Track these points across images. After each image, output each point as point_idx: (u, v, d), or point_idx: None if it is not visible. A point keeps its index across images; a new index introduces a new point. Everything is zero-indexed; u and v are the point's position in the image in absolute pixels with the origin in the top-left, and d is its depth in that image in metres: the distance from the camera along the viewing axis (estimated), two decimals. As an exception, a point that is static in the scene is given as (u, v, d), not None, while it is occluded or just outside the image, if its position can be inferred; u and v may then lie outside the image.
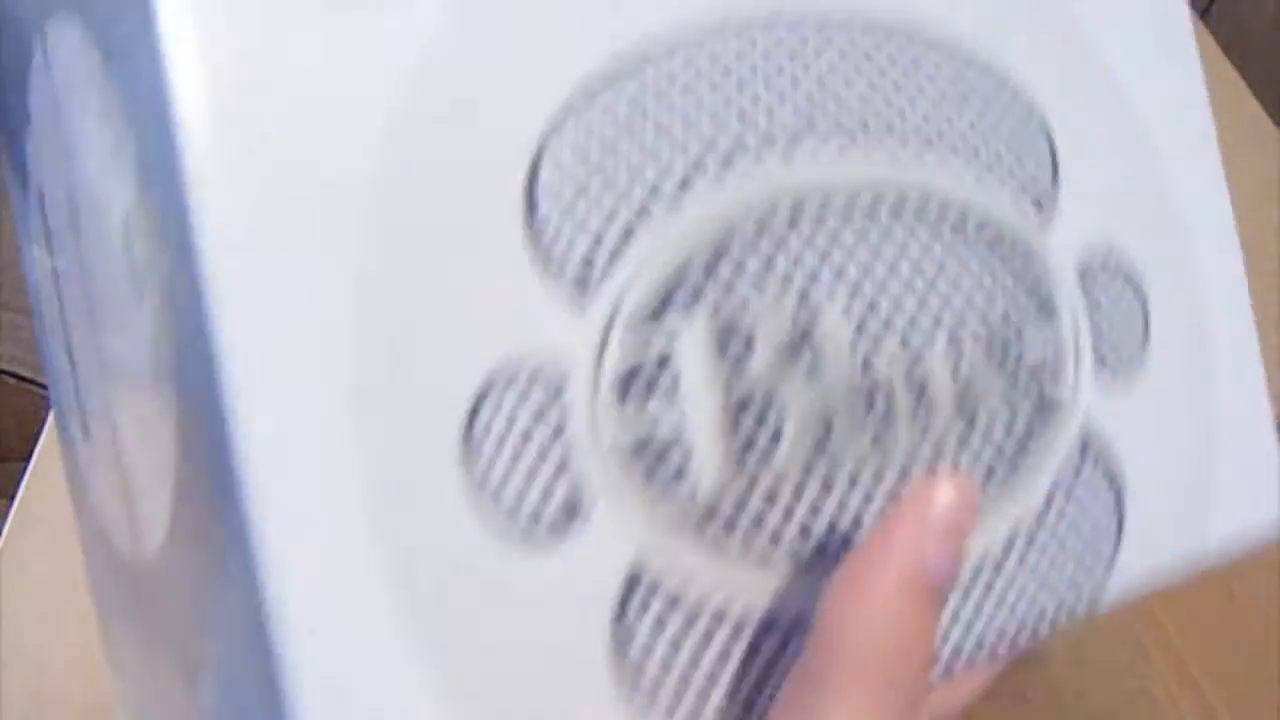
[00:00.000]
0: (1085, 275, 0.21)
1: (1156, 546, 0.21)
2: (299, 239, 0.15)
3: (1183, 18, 0.22)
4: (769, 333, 0.18)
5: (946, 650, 0.19)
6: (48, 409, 0.43)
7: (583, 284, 0.16)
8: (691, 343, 0.17)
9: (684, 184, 0.17)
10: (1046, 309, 0.20)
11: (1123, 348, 0.21)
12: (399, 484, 0.15)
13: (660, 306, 0.17)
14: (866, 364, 0.18)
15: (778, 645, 0.18)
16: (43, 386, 0.31)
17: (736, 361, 0.17)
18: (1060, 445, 0.20)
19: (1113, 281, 0.21)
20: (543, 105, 0.16)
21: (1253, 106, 0.36)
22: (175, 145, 0.14)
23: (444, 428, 0.15)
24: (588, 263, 0.16)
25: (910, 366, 0.19)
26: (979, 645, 0.19)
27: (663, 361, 0.17)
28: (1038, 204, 0.20)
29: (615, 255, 0.17)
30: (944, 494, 0.17)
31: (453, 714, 0.15)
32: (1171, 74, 0.22)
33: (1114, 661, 0.38)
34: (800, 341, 0.18)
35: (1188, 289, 0.22)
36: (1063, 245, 0.21)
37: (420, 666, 0.15)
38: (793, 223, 0.18)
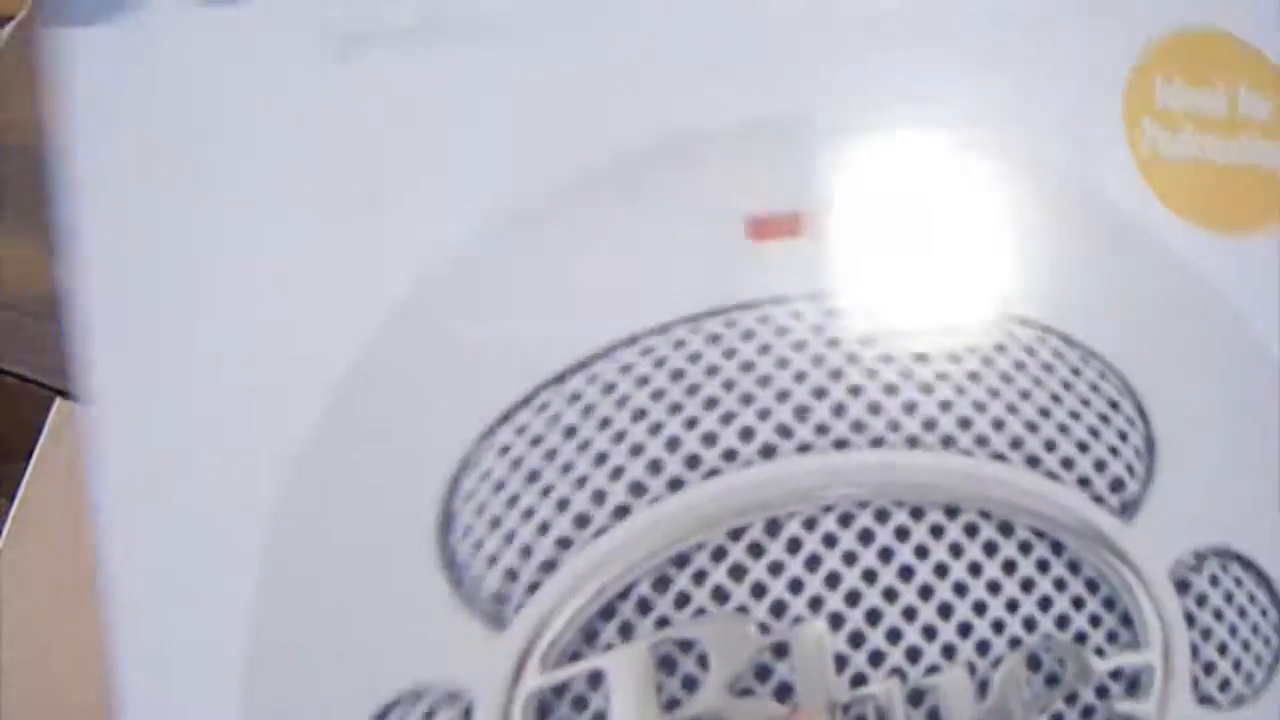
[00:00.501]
0: (1190, 577, 0.17)
1: None
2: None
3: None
4: (728, 657, 0.14)
5: None
6: (48, 409, 0.43)
7: (499, 610, 0.14)
8: (628, 661, 0.14)
9: (620, 512, 0.14)
10: (1121, 617, 0.16)
11: (1242, 659, 0.17)
12: None
13: (595, 625, 0.14)
14: (857, 681, 0.15)
15: None
16: (43, 386, 0.30)
17: (685, 682, 0.14)
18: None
19: (1230, 583, 0.17)
20: (463, 423, 0.15)
21: None
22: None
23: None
24: (501, 597, 0.13)
25: (918, 684, 0.15)
26: None
27: (593, 682, 0.14)
28: (1121, 505, 0.16)
29: (535, 585, 0.14)
30: None
31: None
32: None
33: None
34: (769, 662, 0.14)
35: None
36: (1156, 543, 0.16)
37: None
38: (771, 530, 0.15)
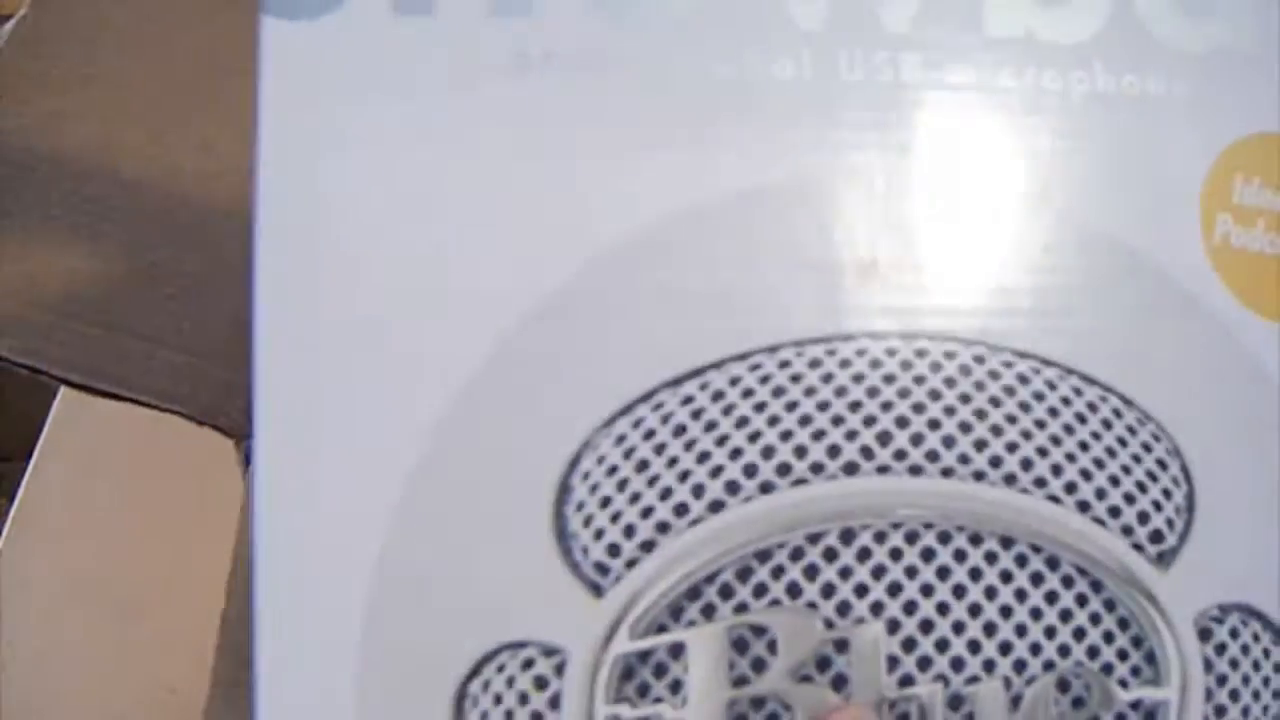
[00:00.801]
0: (1212, 627, 0.18)
1: None
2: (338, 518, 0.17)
3: None
4: (795, 645, 0.17)
5: None
6: (48, 409, 0.43)
7: (600, 580, 0.16)
8: (708, 639, 0.16)
9: (715, 507, 0.16)
10: (1147, 655, 0.18)
11: (1250, 707, 0.19)
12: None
13: (682, 603, 0.17)
14: (905, 683, 0.17)
15: None
16: (53, 378, 0.31)
17: (755, 663, 0.16)
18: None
19: (1248, 638, 0.19)
20: (589, 410, 0.17)
21: None
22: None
23: (437, 696, 0.16)
24: (603, 568, 0.16)
25: (958, 691, 0.17)
26: None
27: (675, 652, 0.16)
28: (1159, 556, 0.18)
29: (633, 562, 0.16)
30: None
31: None
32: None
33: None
34: (830, 654, 0.16)
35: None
36: (1185, 593, 0.18)
37: None
38: (845, 539, 0.17)
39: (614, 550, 0.17)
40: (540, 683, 0.17)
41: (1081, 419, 0.19)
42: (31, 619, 0.38)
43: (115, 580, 0.39)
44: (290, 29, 0.18)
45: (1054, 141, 0.19)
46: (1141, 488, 0.19)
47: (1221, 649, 0.19)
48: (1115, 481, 0.19)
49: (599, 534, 0.17)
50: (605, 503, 0.17)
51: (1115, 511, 0.19)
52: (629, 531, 0.17)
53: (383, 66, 0.18)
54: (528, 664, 0.17)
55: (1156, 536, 0.19)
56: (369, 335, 0.17)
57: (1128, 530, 0.19)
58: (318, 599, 0.17)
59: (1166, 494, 0.19)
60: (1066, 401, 0.19)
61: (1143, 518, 0.19)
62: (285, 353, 0.17)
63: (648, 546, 0.17)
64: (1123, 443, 0.19)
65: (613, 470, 0.17)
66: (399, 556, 0.17)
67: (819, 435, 0.18)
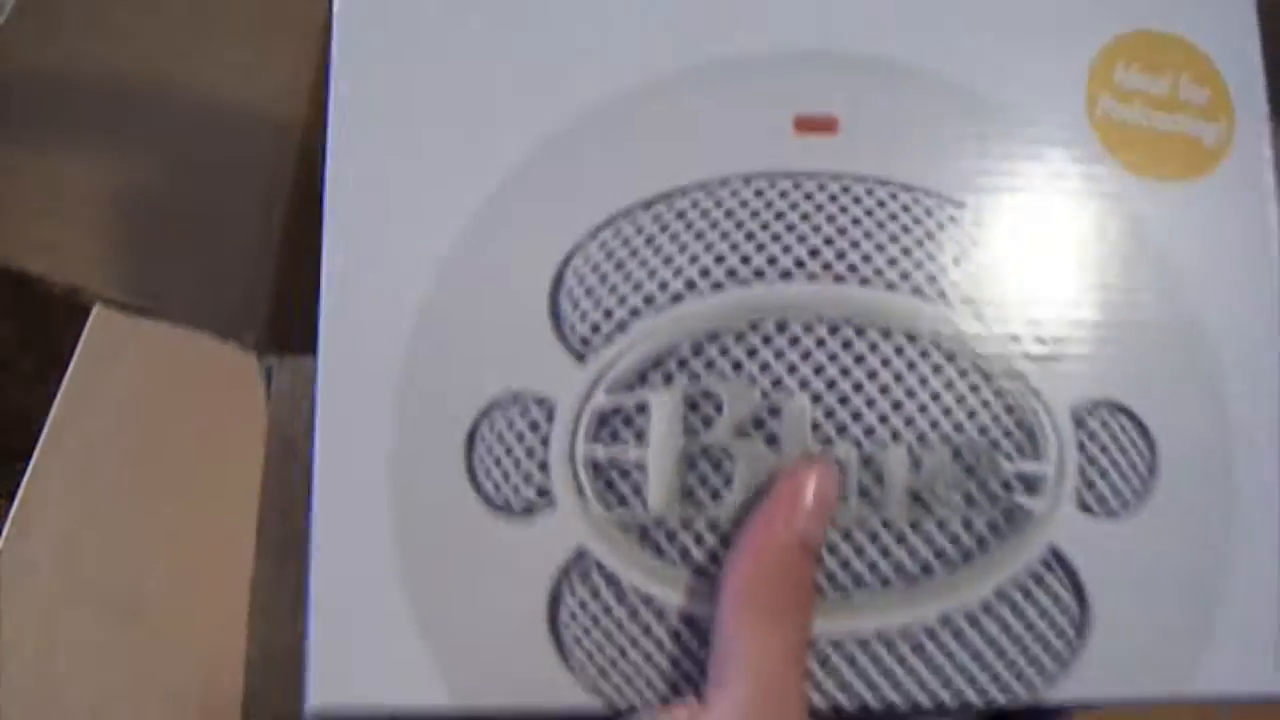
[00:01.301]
0: (1085, 417, 0.23)
1: (1124, 671, 0.23)
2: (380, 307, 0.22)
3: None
4: (737, 406, 0.21)
5: (868, 695, 0.21)
6: (48, 409, 0.44)
7: (583, 350, 0.22)
8: (667, 398, 0.21)
9: (675, 298, 0.22)
10: (1029, 435, 0.22)
11: (1117, 485, 0.23)
12: (416, 458, 0.20)
13: (647, 369, 0.22)
14: (826, 443, 0.21)
15: (695, 638, 0.21)
16: (79, 290, 0.32)
17: (705, 420, 0.21)
18: (1023, 553, 0.22)
19: (1117, 429, 0.23)
20: (582, 221, 0.22)
21: None
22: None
23: (455, 427, 0.22)
24: (586, 341, 0.21)
25: (869, 453, 0.21)
26: (904, 696, 0.22)
27: (640, 407, 0.21)
28: (1040, 358, 0.22)
29: (610, 337, 0.22)
30: (811, 483, 0.21)
31: (431, 645, 0.20)
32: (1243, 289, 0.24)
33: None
34: (765, 416, 0.21)
35: (1215, 458, 0.23)
36: (1063, 388, 0.22)
37: (412, 605, 0.21)
38: (780, 328, 0.21)
39: (595, 328, 0.22)
40: (534, 425, 0.22)
41: (975, 245, 0.23)
42: (31, 619, 0.38)
43: (115, 580, 0.39)
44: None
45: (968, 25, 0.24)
46: (1026, 302, 0.23)
47: (1093, 435, 0.23)
48: (1009, 295, 0.23)
49: (584, 315, 0.22)
50: (589, 292, 0.22)
51: (1004, 319, 0.23)
52: (607, 314, 0.22)
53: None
54: (524, 411, 0.22)
55: (1039, 341, 0.23)
56: (427, 136, 0.22)
57: (1015, 338, 0.23)
58: (372, 335, 0.22)
59: (1047, 308, 0.23)
60: (967, 233, 0.23)
61: (1027, 325, 0.23)
62: (355, 136, 0.22)
63: (622, 326, 0.22)
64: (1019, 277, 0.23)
65: (596, 267, 0.22)
66: (435, 313, 0.22)
67: (760, 248, 0.22)
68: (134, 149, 0.33)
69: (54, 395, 0.45)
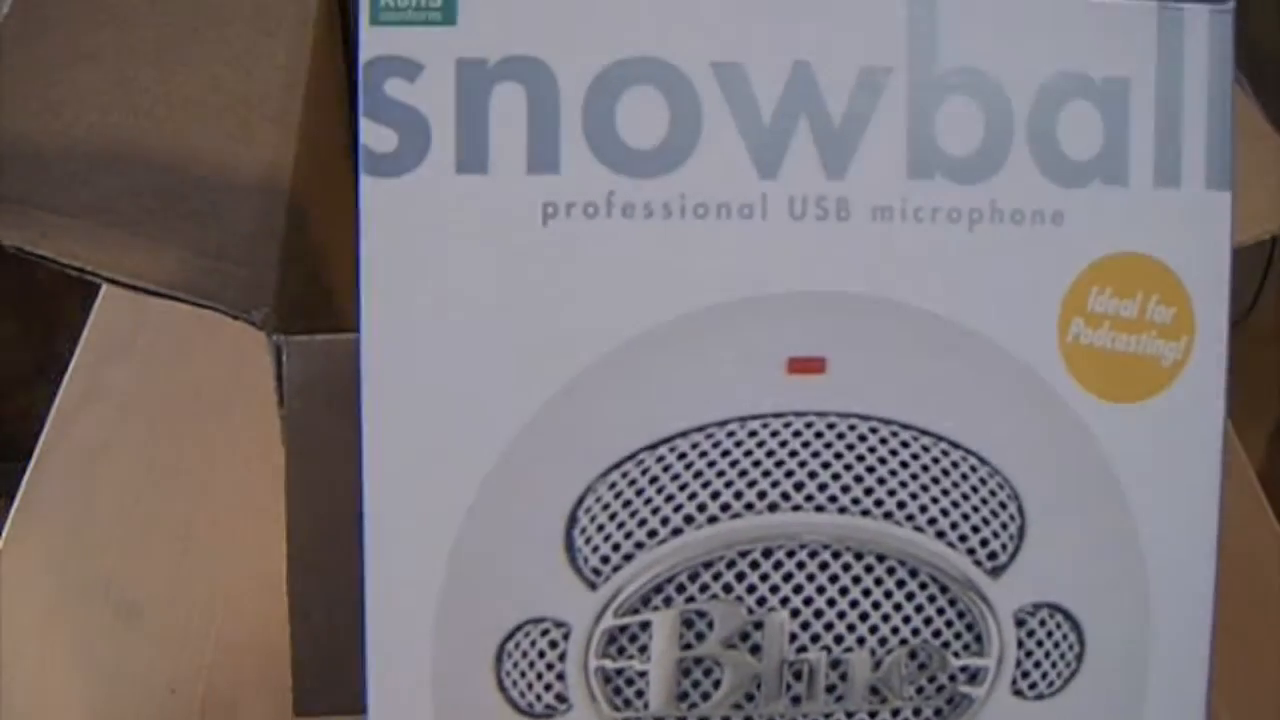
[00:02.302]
0: (1026, 618, 0.26)
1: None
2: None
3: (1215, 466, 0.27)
4: (726, 623, 0.25)
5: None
6: (48, 408, 0.45)
7: (595, 579, 0.25)
8: (667, 618, 0.25)
9: (676, 532, 0.25)
10: (976, 636, 0.26)
11: (1048, 673, 0.27)
12: (455, 672, 0.24)
13: (650, 594, 0.25)
14: (801, 650, 0.25)
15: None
16: (87, 272, 0.31)
17: (698, 635, 0.25)
18: (964, 732, 0.27)
19: (1053, 626, 0.27)
20: (592, 465, 0.25)
21: (1259, 122, 0.36)
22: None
23: (486, 646, 0.25)
24: (597, 571, 0.25)
25: (837, 657, 0.25)
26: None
27: (643, 625, 0.24)
28: (992, 569, 0.26)
29: (618, 567, 0.25)
30: None
31: None
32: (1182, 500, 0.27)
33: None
34: (750, 630, 0.25)
35: (1136, 652, 0.27)
36: (1009, 594, 0.26)
37: None
38: (766, 554, 0.25)
39: (605, 560, 0.25)
40: (553, 644, 0.25)
41: (945, 473, 0.26)
42: (31, 619, 0.38)
43: (115, 580, 0.40)
44: (381, 184, 0.24)
45: (952, 260, 0.26)
46: (985, 521, 0.26)
47: (1031, 633, 0.27)
48: (966, 517, 0.26)
49: (595, 549, 0.25)
50: (600, 528, 0.25)
51: (964, 538, 0.26)
52: (615, 548, 0.25)
53: (447, 211, 0.25)
54: (545, 632, 0.25)
55: (992, 555, 0.26)
56: (451, 390, 0.25)
57: (971, 551, 0.26)
58: (412, 572, 0.25)
59: (1004, 526, 0.26)
60: (935, 460, 0.26)
61: (984, 543, 0.26)
62: (389, 390, 0.25)
63: (628, 557, 0.25)
64: (974, 489, 0.26)
65: (606, 506, 0.25)
66: (467, 552, 0.25)
67: (751, 484, 0.25)
68: (138, 133, 0.33)
69: (54, 395, 0.45)
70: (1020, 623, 0.27)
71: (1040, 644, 0.27)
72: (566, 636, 0.25)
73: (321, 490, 0.30)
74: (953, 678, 0.26)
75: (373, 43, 0.24)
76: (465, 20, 0.24)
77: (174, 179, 0.33)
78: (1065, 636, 0.27)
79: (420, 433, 0.25)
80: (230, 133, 0.34)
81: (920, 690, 0.26)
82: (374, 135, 0.24)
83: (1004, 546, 0.26)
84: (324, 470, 0.29)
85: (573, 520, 0.25)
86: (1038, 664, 0.27)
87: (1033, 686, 0.27)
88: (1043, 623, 0.27)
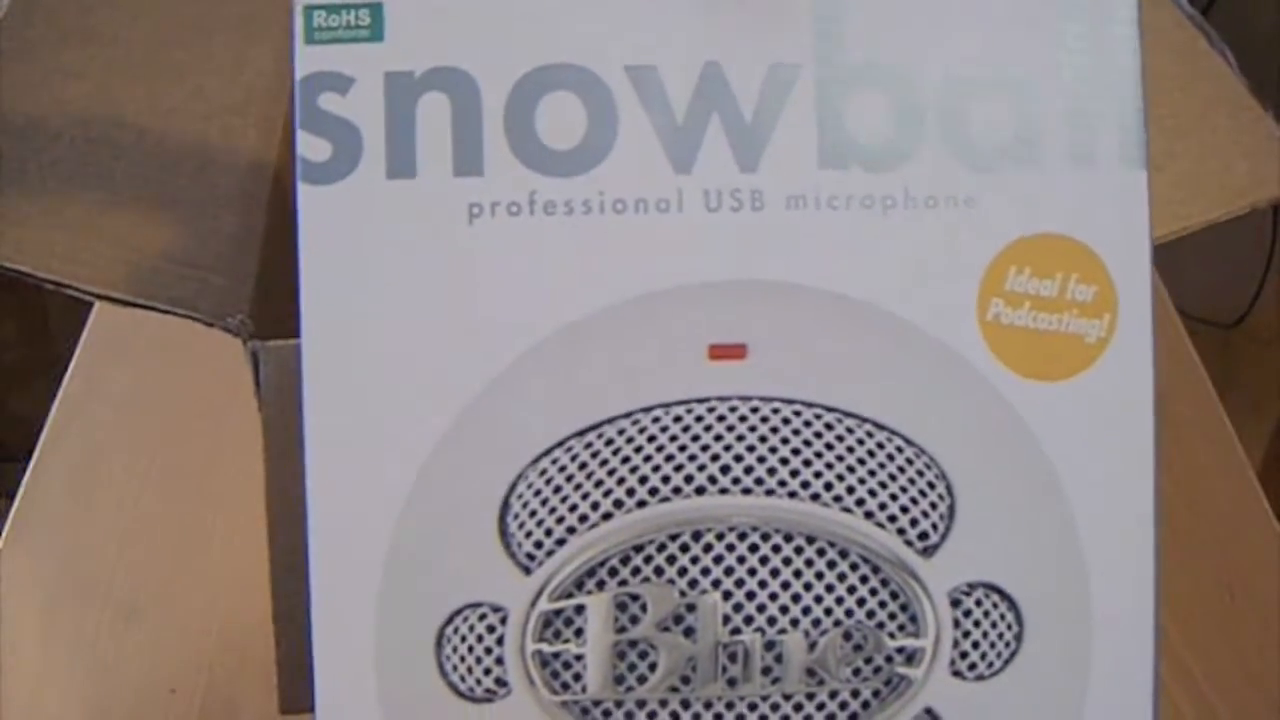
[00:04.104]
0: (961, 597, 0.26)
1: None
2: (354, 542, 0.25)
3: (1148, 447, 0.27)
4: (659, 606, 0.25)
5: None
6: (48, 408, 0.45)
7: (529, 564, 0.26)
8: (600, 601, 0.25)
9: (606, 516, 0.25)
10: (911, 616, 0.26)
11: (986, 654, 0.27)
12: (397, 656, 0.26)
13: (583, 578, 0.25)
14: (735, 631, 0.26)
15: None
16: (67, 286, 0.32)
17: (632, 618, 0.25)
18: (902, 714, 0.27)
19: (989, 606, 0.27)
20: (524, 452, 0.26)
21: (1252, 108, 0.36)
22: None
23: (426, 631, 0.26)
24: (531, 556, 0.25)
25: (771, 638, 0.26)
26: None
27: (578, 609, 0.25)
28: (924, 549, 0.26)
29: (551, 551, 0.26)
30: None
31: None
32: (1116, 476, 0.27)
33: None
34: (683, 612, 0.25)
35: (1076, 632, 0.27)
36: (943, 574, 0.26)
37: None
38: (696, 537, 0.25)
39: (538, 545, 0.26)
40: (491, 629, 0.26)
41: (870, 453, 0.26)
42: (31, 619, 0.38)
43: (115, 580, 0.40)
44: (317, 192, 0.26)
45: (866, 245, 0.26)
46: (914, 501, 0.27)
47: (967, 612, 0.27)
48: (894, 497, 0.26)
49: (529, 534, 0.26)
50: (532, 514, 0.26)
51: (893, 518, 0.26)
52: (548, 533, 0.26)
53: (379, 215, 0.26)
54: (482, 616, 0.26)
55: (923, 535, 0.27)
56: (389, 378, 0.26)
57: (901, 531, 0.26)
58: (353, 556, 0.26)
59: (933, 505, 0.27)
60: (860, 441, 0.26)
61: (913, 522, 0.27)
62: (328, 388, 0.26)
63: (560, 542, 0.26)
64: (901, 470, 0.26)
65: (538, 493, 0.26)
66: (404, 538, 0.26)
67: (678, 468, 0.26)
68: (120, 146, 0.34)
69: (54, 395, 0.45)
70: (955, 603, 0.27)
71: (977, 624, 0.27)
72: (504, 621, 0.26)
73: (300, 492, 0.31)
74: (889, 659, 0.27)
75: (307, 60, 0.26)
76: (392, 36, 0.26)
77: (154, 190, 0.34)
78: (1003, 616, 0.27)
79: (358, 428, 0.26)
80: (213, 141, 0.35)
81: (857, 672, 0.27)
82: (310, 146, 0.26)
83: (934, 526, 0.27)
84: (302, 472, 0.30)
85: (506, 507, 0.26)
86: (975, 644, 0.27)
87: (972, 667, 0.27)
88: (979, 603, 0.27)
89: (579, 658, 0.26)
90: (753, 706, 0.26)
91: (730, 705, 0.26)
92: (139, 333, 0.49)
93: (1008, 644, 0.27)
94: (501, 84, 0.26)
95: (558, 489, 0.26)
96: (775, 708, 0.26)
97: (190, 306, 0.32)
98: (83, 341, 0.48)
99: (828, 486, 0.26)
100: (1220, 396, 0.44)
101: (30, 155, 0.35)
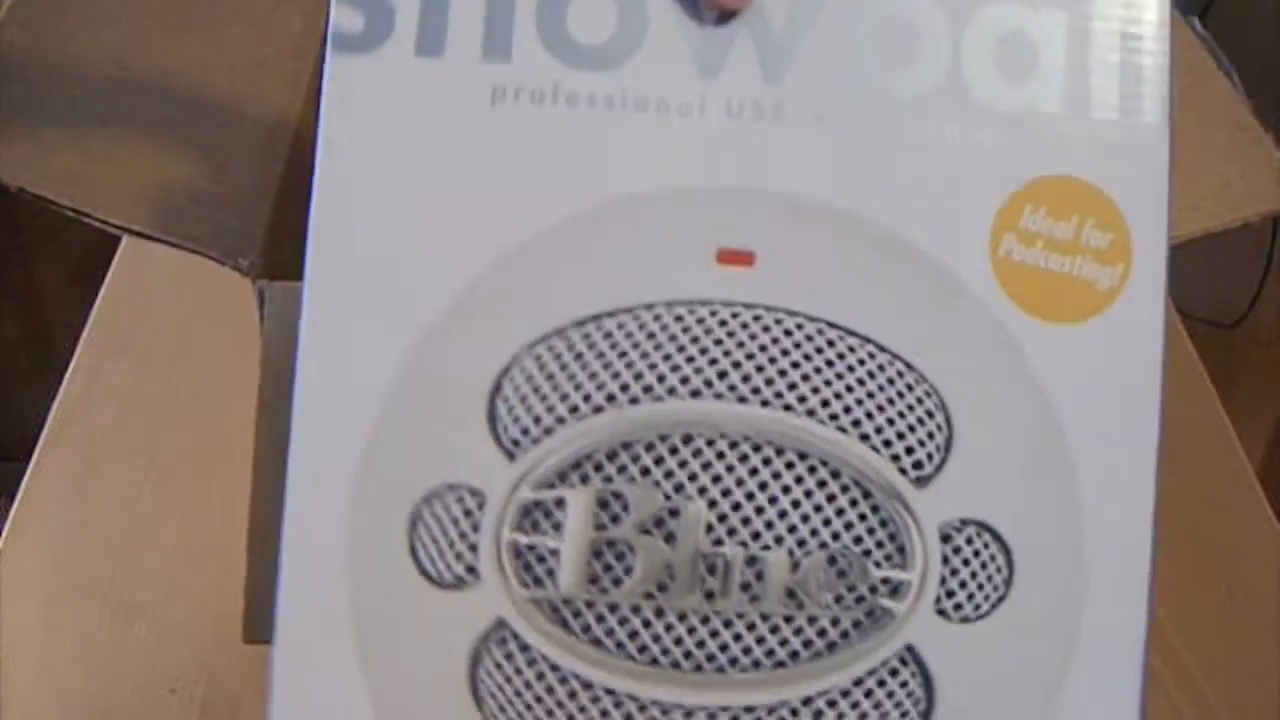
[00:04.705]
0: (952, 534, 0.26)
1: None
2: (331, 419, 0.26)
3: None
4: (641, 507, 0.25)
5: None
6: (48, 408, 0.45)
7: (514, 449, 0.25)
8: (582, 495, 0.24)
9: (597, 409, 0.25)
10: (899, 547, 0.26)
11: (974, 595, 0.26)
12: (368, 533, 0.25)
13: (567, 470, 0.25)
14: (717, 543, 0.25)
15: (592, 702, 0.25)
16: (91, 217, 0.33)
17: (613, 517, 0.24)
18: (881, 649, 0.26)
19: (980, 545, 0.26)
20: (519, 336, 0.26)
21: (1252, 127, 0.36)
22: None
23: (401, 509, 0.26)
24: (516, 442, 0.24)
25: (753, 554, 0.25)
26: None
27: (559, 502, 0.24)
28: (917, 479, 0.26)
29: (538, 439, 0.25)
30: None
31: (374, 702, 0.25)
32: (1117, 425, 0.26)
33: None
34: (665, 517, 0.24)
35: (1068, 580, 0.26)
36: (935, 507, 0.26)
37: (361, 663, 0.25)
38: (685, 440, 0.25)
39: (525, 430, 0.26)
40: (467, 512, 0.25)
41: (870, 375, 0.26)
42: (31, 619, 0.38)
43: (115, 580, 0.40)
44: (345, 61, 0.26)
45: (885, 168, 0.26)
46: (911, 429, 0.26)
47: (957, 550, 0.26)
48: (891, 422, 0.26)
49: (517, 419, 0.26)
50: (523, 399, 0.26)
51: (888, 443, 0.26)
52: (536, 420, 0.26)
53: (402, 90, 0.26)
54: (460, 499, 0.26)
55: (918, 465, 0.26)
56: (393, 251, 0.26)
57: (896, 458, 0.26)
58: (338, 423, 0.26)
59: (930, 435, 0.26)
60: (861, 361, 0.26)
61: (909, 450, 0.26)
62: (331, 258, 0.26)
63: (548, 430, 0.26)
64: (900, 395, 0.26)
65: (530, 378, 0.26)
66: (391, 411, 0.26)
67: (675, 368, 0.26)
68: (147, 88, 0.35)
69: (54, 395, 0.46)
70: (946, 538, 0.26)
71: (966, 563, 0.26)
72: (481, 506, 0.26)
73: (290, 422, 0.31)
74: (873, 589, 0.26)
75: (350, -64, 0.27)
76: (435, -81, 0.27)
77: (179, 132, 0.35)
78: (993, 558, 0.26)
79: (357, 299, 0.26)
80: (238, 91, 0.36)
81: (839, 599, 0.26)
82: (343, 15, 0.26)
83: (930, 456, 0.26)
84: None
85: (497, 389, 0.26)
86: (963, 584, 0.26)
87: (958, 608, 0.26)
88: (969, 540, 0.26)
89: (554, 552, 0.25)
90: (728, 623, 0.26)
91: (705, 619, 0.26)
92: (139, 332, 0.49)
93: (996, 588, 0.26)
94: (539, -25, 0.26)
95: (550, 376, 0.26)
96: (751, 627, 0.26)
97: (206, 245, 0.33)
98: (83, 341, 0.49)
99: (824, 403, 0.26)
100: (1220, 396, 0.44)
101: (60, 89, 0.36)
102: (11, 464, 0.47)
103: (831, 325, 0.26)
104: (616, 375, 0.26)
